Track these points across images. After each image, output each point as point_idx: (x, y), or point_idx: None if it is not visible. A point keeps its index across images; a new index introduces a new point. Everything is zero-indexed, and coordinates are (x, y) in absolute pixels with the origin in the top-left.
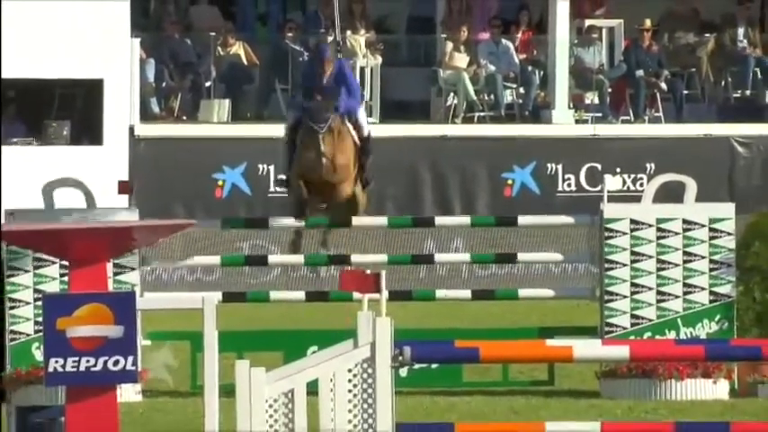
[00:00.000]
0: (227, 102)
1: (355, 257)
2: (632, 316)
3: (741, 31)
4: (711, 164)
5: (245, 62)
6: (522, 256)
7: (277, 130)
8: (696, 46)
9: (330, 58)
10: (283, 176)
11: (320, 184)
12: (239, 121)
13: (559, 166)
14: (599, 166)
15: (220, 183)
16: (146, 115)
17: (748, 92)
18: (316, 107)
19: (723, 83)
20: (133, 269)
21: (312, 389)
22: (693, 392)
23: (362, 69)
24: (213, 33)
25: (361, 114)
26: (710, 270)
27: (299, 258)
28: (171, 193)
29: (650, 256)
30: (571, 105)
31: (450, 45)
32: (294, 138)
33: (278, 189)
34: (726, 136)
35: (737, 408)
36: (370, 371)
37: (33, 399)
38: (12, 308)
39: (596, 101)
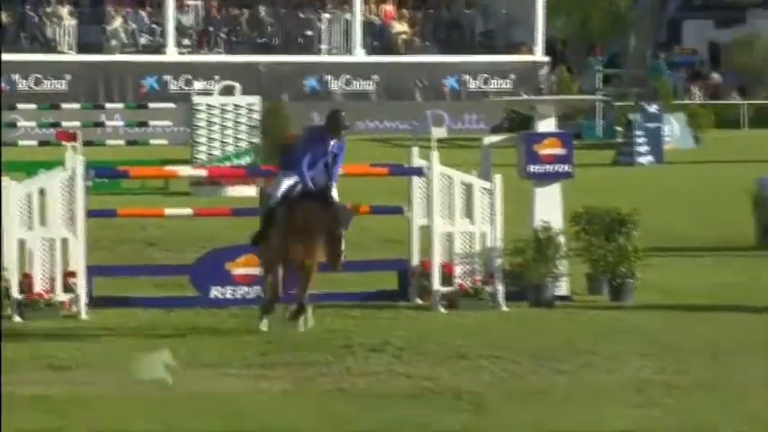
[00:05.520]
0: None
1: (65, 123)
2: (209, 154)
3: (263, 8)
4: (254, 78)
5: (4, 21)
6: (151, 123)
7: (25, 57)
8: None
9: (346, 127)
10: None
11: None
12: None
13: (170, 77)
14: (191, 77)
15: None
16: None
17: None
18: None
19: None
20: None
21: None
22: (235, 192)
23: (67, 26)
24: None
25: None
26: (251, 129)
27: (32, 123)
28: None
29: (217, 123)
30: (176, 45)
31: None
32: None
33: None
34: (256, 62)
35: None
36: (72, 183)
37: None
38: None
39: (189, 43)
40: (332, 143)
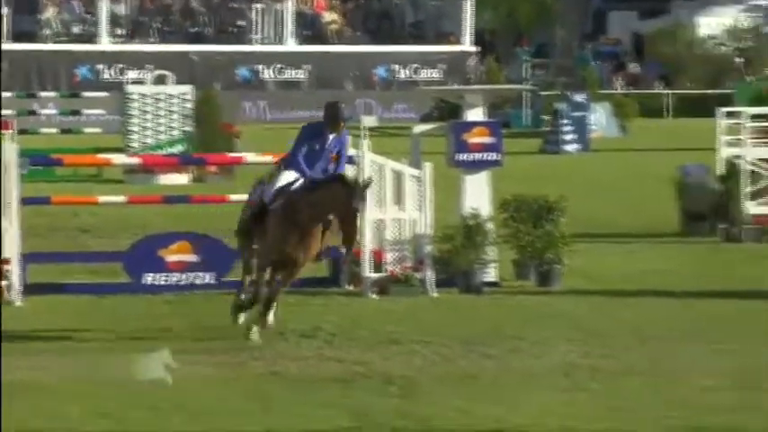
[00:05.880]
0: None
1: (4, 112)
2: (141, 143)
3: None
4: (187, 67)
5: None
6: (85, 111)
7: None
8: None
9: (346, 119)
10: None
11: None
12: None
13: (103, 66)
14: (124, 66)
15: None
16: None
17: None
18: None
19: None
20: None
21: None
22: (168, 180)
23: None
24: None
25: None
26: (184, 117)
27: None
28: None
29: (150, 112)
30: (109, 34)
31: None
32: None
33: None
34: (189, 52)
35: (197, 189)
36: (6, 171)
37: None
38: None
39: (122, 32)
40: (330, 138)
